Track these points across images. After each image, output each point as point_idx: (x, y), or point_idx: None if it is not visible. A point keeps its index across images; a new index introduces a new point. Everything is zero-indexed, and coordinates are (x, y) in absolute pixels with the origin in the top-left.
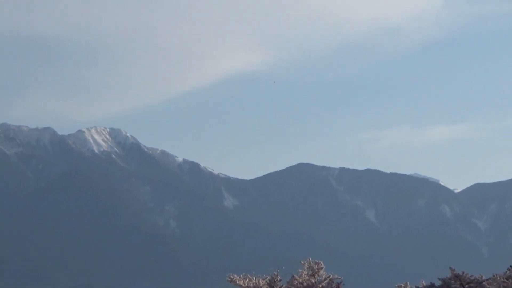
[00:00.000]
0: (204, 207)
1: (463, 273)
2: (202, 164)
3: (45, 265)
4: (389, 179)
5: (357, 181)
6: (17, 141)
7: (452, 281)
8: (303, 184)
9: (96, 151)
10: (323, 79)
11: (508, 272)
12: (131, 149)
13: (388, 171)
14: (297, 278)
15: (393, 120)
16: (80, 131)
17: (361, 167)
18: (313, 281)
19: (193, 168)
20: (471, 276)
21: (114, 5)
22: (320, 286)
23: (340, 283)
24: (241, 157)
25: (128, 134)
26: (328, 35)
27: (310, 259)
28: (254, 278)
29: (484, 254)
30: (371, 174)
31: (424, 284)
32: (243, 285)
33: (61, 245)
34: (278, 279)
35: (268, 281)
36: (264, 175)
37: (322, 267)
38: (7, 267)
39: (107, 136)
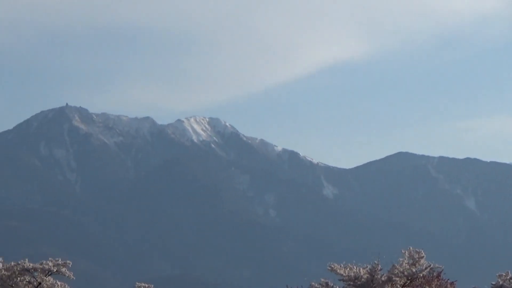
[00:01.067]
0: (303, 196)
1: None
2: (302, 153)
3: (145, 254)
4: (489, 168)
5: (456, 170)
6: (117, 131)
7: None
8: (402, 173)
9: (195, 140)
10: (422, 68)
11: None
12: (230, 138)
13: (488, 160)
14: (397, 267)
15: (492, 109)
16: (179, 120)
17: (460, 156)
18: (413, 270)
19: (292, 157)
20: None
21: None
22: (421, 275)
23: (441, 272)
24: (340, 146)
25: (227, 124)
26: (425, 24)
27: (411, 248)
28: (355, 267)
29: None
30: (471, 163)
31: None
32: (344, 274)
33: (161, 234)
34: (379, 268)
35: (368, 270)
36: (364, 164)
37: (423, 256)
38: (109, 255)
39: (206, 126)
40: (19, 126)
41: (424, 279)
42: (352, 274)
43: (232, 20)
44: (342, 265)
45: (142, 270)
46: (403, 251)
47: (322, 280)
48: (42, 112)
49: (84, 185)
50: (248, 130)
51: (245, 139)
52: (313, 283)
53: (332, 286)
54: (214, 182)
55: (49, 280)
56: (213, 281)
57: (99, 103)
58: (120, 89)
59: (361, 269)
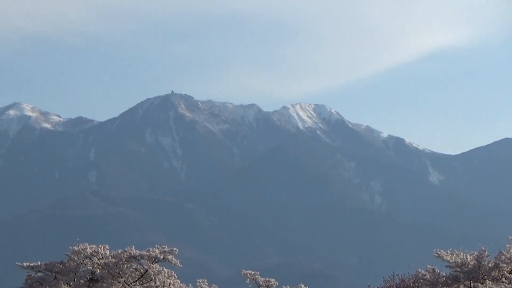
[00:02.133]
0: (409, 182)
1: None
2: (407, 140)
3: (251, 241)
4: None
5: None
6: (222, 118)
7: None
8: (508, 159)
9: (300, 127)
10: None
11: None
12: (335, 125)
13: None
14: (504, 253)
15: None
16: (284, 107)
17: None
18: None
19: (398, 143)
20: None
21: None
22: None
23: None
24: (445, 132)
25: (332, 110)
26: None
27: None
28: (461, 253)
29: None
30: None
31: None
32: (451, 261)
33: (267, 221)
34: (486, 254)
35: (475, 257)
36: (470, 150)
37: None
38: (215, 243)
39: (312, 112)
40: (124, 114)
41: None
42: (459, 260)
43: (337, 7)
44: (448, 252)
45: (248, 257)
46: (510, 238)
47: (428, 266)
48: (147, 99)
49: (189, 172)
50: (354, 116)
51: (350, 125)
52: (419, 270)
53: (439, 272)
54: (320, 169)
55: (155, 268)
56: (319, 268)
57: (204, 90)
58: (226, 76)
59: (467, 255)
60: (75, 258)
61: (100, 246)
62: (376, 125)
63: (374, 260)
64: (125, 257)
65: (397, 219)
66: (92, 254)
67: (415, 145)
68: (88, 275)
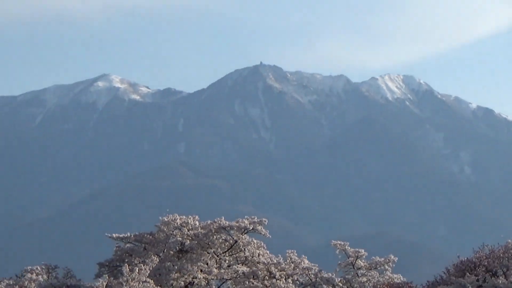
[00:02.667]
0: (498, 153)
1: None
2: (496, 111)
3: (340, 212)
4: None
5: None
6: (311, 89)
7: None
8: None
9: (389, 98)
10: None
11: None
12: (424, 96)
13: None
14: None
15: None
16: (373, 78)
17: None
18: None
19: (487, 114)
20: None
21: None
22: None
23: None
24: None
25: (421, 81)
26: None
27: None
28: None
29: None
30: None
31: None
32: None
33: (356, 191)
34: None
35: None
36: None
37: None
38: (304, 213)
39: (401, 83)
40: (213, 85)
41: None
42: None
43: None
44: None
45: (337, 228)
46: None
47: None
48: (236, 71)
49: (278, 143)
50: (442, 87)
51: (439, 96)
52: (509, 241)
53: None
54: (409, 140)
55: (245, 238)
56: (409, 238)
57: (293, 61)
58: (314, 47)
59: None
60: (165, 229)
61: (190, 217)
62: (465, 96)
63: (464, 230)
64: (215, 228)
65: (487, 189)
66: (181, 225)
67: (504, 116)
68: (178, 246)
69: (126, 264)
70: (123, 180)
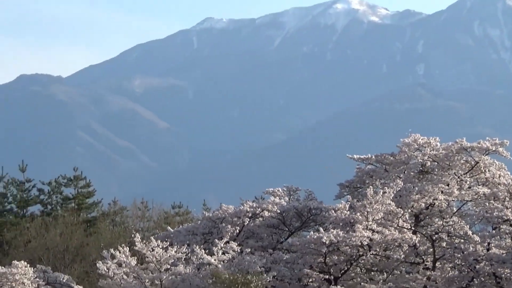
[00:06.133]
0: None
1: None
2: None
3: None
4: None
5: None
6: None
7: None
8: None
9: None
10: None
11: None
12: None
13: None
14: None
15: None
16: None
17: None
18: None
19: None
20: None
21: None
22: None
23: None
24: None
25: None
26: None
27: None
28: None
29: None
30: None
31: None
32: None
33: None
34: None
35: None
36: None
37: None
38: None
39: None
40: (452, 7)
41: None
42: None
43: None
44: None
45: None
46: None
47: None
48: None
49: None
50: None
51: None
52: None
53: None
54: None
55: (486, 159)
56: None
57: None
58: None
59: None
60: (406, 150)
61: (431, 138)
62: None
63: None
64: (456, 149)
65: None
66: (423, 146)
67: None
68: (419, 167)
69: (370, 187)
70: (361, 104)
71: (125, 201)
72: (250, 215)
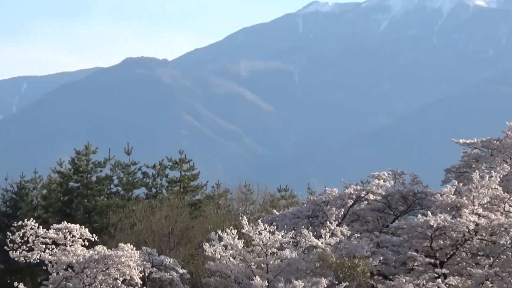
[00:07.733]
0: None
1: None
2: None
3: None
4: None
5: None
6: None
7: None
8: None
9: None
10: None
11: None
12: None
13: None
14: None
15: None
16: None
17: None
18: None
19: None
20: None
21: None
22: None
23: None
24: None
25: None
26: None
27: None
28: None
29: None
30: None
31: None
32: None
33: None
34: None
35: None
36: None
37: None
38: None
39: None
40: None
41: None
42: None
43: None
44: None
45: None
46: None
47: None
48: None
49: None
50: None
51: None
52: None
53: None
54: None
55: None
56: None
57: None
58: None
59: None
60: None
61: None
62: None
63: None
64: None
65: None
66: None
67: None
68: None
69: (476, 171)
70: (466, 88)
71: (229, 184)
72: (354, 197)
